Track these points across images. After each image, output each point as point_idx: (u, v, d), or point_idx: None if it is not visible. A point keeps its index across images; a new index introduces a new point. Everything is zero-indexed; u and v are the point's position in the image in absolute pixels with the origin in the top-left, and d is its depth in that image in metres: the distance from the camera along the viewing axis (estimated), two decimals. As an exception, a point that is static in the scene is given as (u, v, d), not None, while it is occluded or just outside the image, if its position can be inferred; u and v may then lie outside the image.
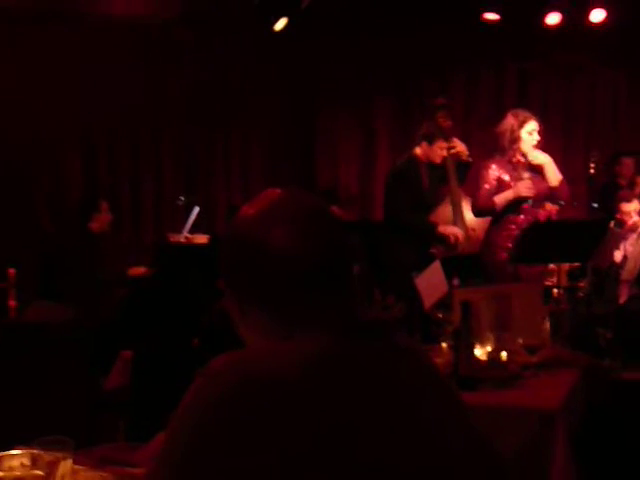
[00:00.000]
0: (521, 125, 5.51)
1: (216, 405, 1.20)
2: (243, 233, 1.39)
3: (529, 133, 5.50)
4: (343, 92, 9.24)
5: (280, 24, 8.16)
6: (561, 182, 5.56)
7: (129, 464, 1.96)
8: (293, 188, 1.42)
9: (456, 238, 5.80)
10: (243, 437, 1.18)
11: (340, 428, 1.21)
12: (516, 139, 5.50)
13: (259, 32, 8.34)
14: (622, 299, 5.98)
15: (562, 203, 7.01)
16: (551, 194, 5.57)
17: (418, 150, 6.03)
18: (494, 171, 5.57)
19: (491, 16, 8.47)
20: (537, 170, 5.56)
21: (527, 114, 5.59)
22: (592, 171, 6.83)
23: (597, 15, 8.34)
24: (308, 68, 8.93)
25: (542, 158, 5.52)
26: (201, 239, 6.89)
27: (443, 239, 5.82)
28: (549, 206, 6.65)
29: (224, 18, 8.29)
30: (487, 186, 5.55)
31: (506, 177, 5.54)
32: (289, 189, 1.42)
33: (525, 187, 5.45)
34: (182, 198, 7.69)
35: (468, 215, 5.94)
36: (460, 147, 6.06)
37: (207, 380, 1.24)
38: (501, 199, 5.52)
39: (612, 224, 6.12)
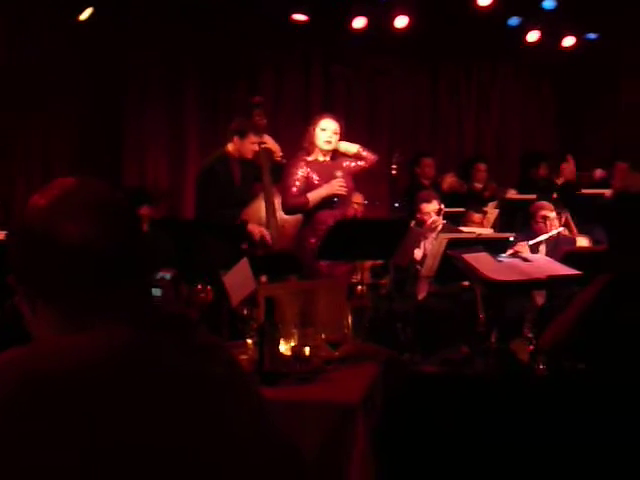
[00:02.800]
0: (315, 123, 5.69)
1: None
2: (32, 224, 1.31)
3: (322, 129, 5.68)
4: (152, 86, 9.10)
5: (85, 14, 7.93)
6: (362, 148, 5.82)
7: None
8: (87, 177, 1.37)
9: (261, 237, 5.84)
10: (29, 434, 1.13)
11: (131, 421, 1.19)
12: (312, 136, 5.67)
13: (65, 22, 8.07)
14: (421, 295, 6.20)
15: (366, 202, 7.23)
16: (356, 163, 5.80)
17: (230, 146, 6.02)
18: (302, 169, 5.66)
19: (300, 17, 8.60)
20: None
21: (323, 114, 5.83)
22: (394, 172, 7.04)
23: (401, 21, 8.65)
24: (116, 61, 8.71)
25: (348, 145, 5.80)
26: (-2, 235, 6.56)
27: (250, 237, 5.85)
28: (355, 205, 6.83)
29: (29, 6, 7.96)
30: (297, 183, 5.64)
31: (315, 176, 5.64)
32: (82, 178, 1.36)
33: (339, 185, 5.58)
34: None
35: (280, 212, 5.99)
36: (273, 145, 6.10)
37: None
38: (314, 197, 5.61)
39: (413, 223, 6.33)
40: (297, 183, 5.64)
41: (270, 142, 6.10)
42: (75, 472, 1.13)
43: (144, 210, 6.70)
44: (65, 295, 1.29)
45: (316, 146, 5.69)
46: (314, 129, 5.69)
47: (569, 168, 8.33)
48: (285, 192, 5.72)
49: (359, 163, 5.84)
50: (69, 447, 1.14)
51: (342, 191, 5.60)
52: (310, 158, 5.70)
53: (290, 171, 5.71)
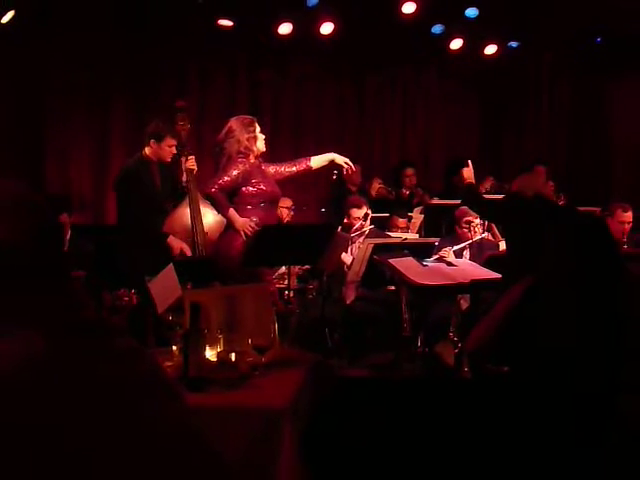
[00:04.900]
0: (252, 128, 5.60)
1: None
2: None
3: (260, 131, 5.62)
4: (76, 91, 8.93)
5: (7, 17, 7.76)
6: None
7: None
8: (5, 179, 1.32)
9: (181, 252, 5.75)
10: None
11: (50, 429, 1.16)
12: (250, 142, 5.57)
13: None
14: (349, 300, 6.23)
15: (294, 207, 7.22)
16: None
17: (147, 150, 5.92)
18: (243, 168, 5.53)
19: (225, 22, 8.57)
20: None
21: (247, 117, 5.73)
22: (334, 177, 6.96)
23: (326, 28, 8.71)
24: (38, 66, 8.54)
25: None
26: None
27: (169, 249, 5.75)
28: (285, 209, 6.82)
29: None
30: (234, 174, 5.50)
31: (262, 184, 5.55)
32: (0, 179, 1.33)
33: (247, 229, 5.47)
34: None
35: (206, 219, 5.94)
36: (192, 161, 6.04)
37: None
38: (230, 216, 5.50)
39: (340, 228, 6.35)
40: (234, 174, 5.50)
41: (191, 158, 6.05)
42: None
43: (63, 218, 6.64)
44: None
45: (253, 151, 5.57)
46: (254, 134, 5.59)
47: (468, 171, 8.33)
48: (219, 177, 5.56)
49: (291, 169, 5.77)
50: None
51: (248, 233, 5.47)
52: (253, 163, 5.60)
53: (236, 165, 5.54)
